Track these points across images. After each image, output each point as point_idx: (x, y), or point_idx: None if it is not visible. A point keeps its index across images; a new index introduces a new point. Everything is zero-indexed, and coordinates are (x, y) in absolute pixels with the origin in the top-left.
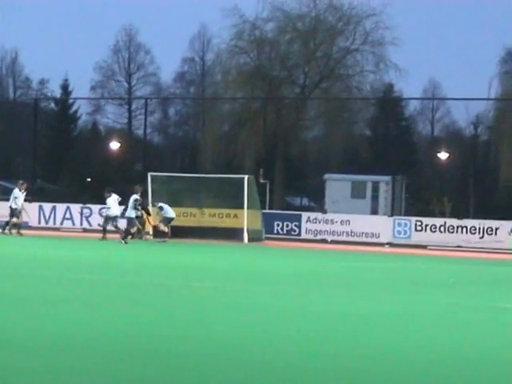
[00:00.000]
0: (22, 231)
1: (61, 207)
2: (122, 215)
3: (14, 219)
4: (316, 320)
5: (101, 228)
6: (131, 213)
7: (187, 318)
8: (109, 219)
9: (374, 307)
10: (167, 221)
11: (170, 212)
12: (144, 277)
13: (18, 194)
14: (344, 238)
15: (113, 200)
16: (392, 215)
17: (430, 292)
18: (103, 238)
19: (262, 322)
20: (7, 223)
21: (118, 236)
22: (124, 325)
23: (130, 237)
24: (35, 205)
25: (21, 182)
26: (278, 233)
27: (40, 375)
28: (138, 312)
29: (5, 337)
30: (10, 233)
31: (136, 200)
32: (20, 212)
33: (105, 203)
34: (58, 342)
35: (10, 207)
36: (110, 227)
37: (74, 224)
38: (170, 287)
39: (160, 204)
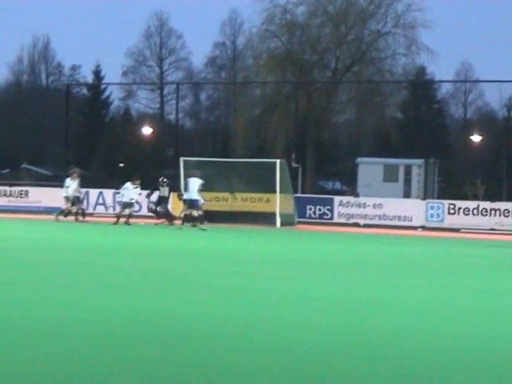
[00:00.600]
0: (53, 216)
1: (93, 192)
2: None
3: (69, 206)
4: (356, 307)
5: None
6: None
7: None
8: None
9: (410, 292)
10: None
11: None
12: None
13: (69, 183)
14: (376, 221)
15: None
16: (425, 198)
17: (465, 276)
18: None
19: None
20: (63, 211)
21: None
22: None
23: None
24: None
25: (71, 171)
26: (310, 217)
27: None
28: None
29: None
30: (77, 219)
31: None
32: (74, 199)
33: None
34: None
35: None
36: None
37: (106, 209)
38: (204, 272)
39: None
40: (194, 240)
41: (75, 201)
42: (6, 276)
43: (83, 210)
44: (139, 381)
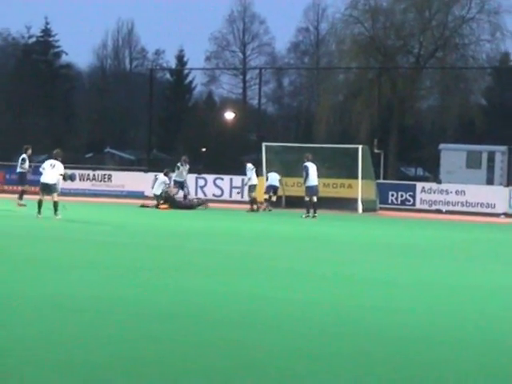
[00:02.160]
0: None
1: None
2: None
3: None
4: (437, 292)
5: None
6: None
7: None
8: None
9: (492, 278)
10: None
11: (253, 179)
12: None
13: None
14: (459, 208)
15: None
16: (508, 185)
17: None
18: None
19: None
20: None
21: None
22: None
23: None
24: (151, 175)
25: (183, 157)
26: (392, 203)
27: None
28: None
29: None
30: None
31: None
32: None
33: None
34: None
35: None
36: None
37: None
38: (283, 255)
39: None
40: (275, 225)
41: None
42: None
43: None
44: (224, 361)
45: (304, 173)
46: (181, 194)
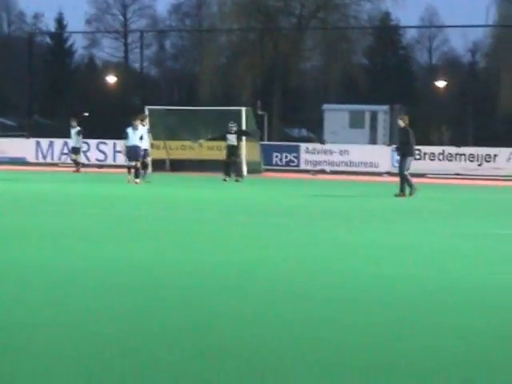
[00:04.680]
0: (20, 167)
1: (58, 142)
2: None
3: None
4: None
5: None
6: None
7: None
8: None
9: (377, 237)
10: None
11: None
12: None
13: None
14: (343, 168)
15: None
16: (390, 144)
17: (429, 221)
18: None
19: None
20: None
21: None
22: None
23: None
24: (32, 141)
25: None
26: (276, 164)
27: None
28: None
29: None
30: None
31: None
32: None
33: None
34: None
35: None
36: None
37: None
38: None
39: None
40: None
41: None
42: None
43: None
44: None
45: None
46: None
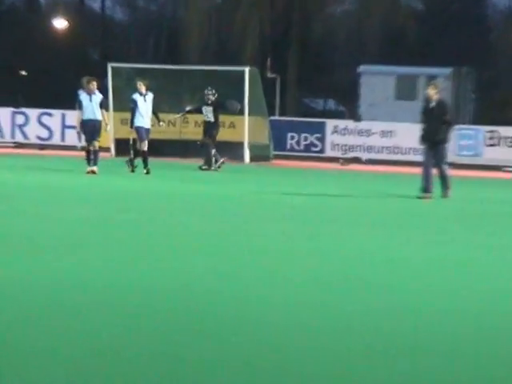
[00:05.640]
0: None
1: None
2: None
3: None
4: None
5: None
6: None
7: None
8: None
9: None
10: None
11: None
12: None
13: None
14: (385, 156)
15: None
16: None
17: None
18: None
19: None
20: None
21: None
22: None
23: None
24: None
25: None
26: (292, 149)
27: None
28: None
29: None
30: None
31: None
32: None
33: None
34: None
35: None
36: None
37: (2, 137)
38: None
39: None
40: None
41: None
42: None
43: None
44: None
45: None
46: None
